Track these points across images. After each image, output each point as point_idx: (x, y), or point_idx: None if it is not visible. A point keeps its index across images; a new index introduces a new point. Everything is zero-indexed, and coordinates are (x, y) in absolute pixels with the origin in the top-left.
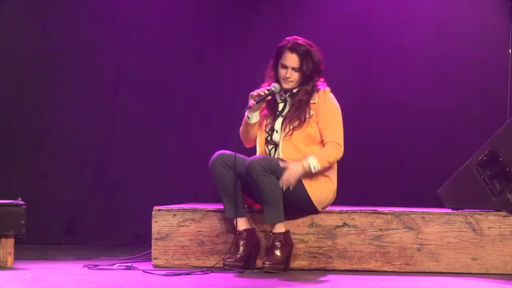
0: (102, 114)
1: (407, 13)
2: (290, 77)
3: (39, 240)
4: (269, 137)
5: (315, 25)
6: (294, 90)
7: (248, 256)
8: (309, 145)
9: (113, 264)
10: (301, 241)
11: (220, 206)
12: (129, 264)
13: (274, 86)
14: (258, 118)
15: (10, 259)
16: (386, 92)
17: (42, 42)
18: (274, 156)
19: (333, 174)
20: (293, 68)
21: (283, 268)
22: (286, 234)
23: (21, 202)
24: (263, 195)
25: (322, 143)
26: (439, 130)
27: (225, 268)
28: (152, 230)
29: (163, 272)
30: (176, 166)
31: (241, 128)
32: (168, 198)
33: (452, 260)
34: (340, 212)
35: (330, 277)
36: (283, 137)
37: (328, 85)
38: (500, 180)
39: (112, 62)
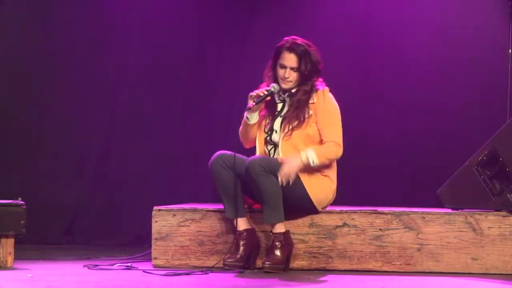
0: (102, 114)
1: (407, 13)
2: (288, 77)
3: (39, 240)
4: (268, 138)
5: (315, 25)
6: (293, 90)
7: (248, 256)
8: (309, 145)
9: (113, 264)
10: (301, 241)
11: (220, 206)
12: (129, 264)
13: (273, 87)
14: (257, 119)
15: (10, 259)
16: (386, 92)
17: (42, 42)
18: (273, 156)
19: (333, 174)
20: (291, 68)
21: (283, 268)
22: (286, 234)
23: (21, 202)
24: (262, 195)
25: (322, 143)
26: (439, 130)
27: (225, 268)
28: (152, 230)
29: (163, 272)
30: (176, 166)
31: (240, 129)
32: (168, 198)
33: (452, 260)
34: (340, 212)
35: (330, 277)
36: (283, 137)
37: (328, 85)
38: (500, 180)
39: (112, 62)
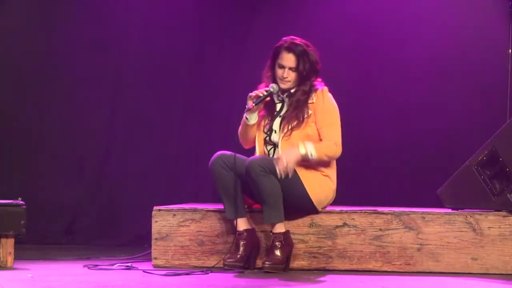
0: (102, 114)
1: (407, 13)
2: (287, 77)
3: (39, 240)
4: (267, 138)
5: (315, 25)
6: (292, 90)
7: (248, 256)
8: None
9: (113, 264)
10: (301, 241)
11: (220, 206)
12: (129, 264)
13: (273, 87)
14: (256, 119)
15: (10, 259)
16: (386, 92)
17: (42, 42)
18: (273, 156)
19: (332, 174)
20: (290, 68)
21: (283, 268)
22: (286, 234)
23: (21, 202)
24: (262, 195)
25: None
26: (439, 130)
27: (225, 268)
28: (152, 230)
29: (163, 272)
30: (176, 166)
31: (239, 129)
32: (168, 198)
33: (452, 260)
34: (340, 212)
35: (330, 277)
36: (282, 137)
37: (328, 85)
38: (500, 180)
39: (112, 62)
